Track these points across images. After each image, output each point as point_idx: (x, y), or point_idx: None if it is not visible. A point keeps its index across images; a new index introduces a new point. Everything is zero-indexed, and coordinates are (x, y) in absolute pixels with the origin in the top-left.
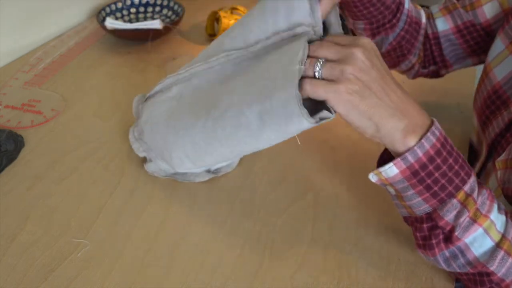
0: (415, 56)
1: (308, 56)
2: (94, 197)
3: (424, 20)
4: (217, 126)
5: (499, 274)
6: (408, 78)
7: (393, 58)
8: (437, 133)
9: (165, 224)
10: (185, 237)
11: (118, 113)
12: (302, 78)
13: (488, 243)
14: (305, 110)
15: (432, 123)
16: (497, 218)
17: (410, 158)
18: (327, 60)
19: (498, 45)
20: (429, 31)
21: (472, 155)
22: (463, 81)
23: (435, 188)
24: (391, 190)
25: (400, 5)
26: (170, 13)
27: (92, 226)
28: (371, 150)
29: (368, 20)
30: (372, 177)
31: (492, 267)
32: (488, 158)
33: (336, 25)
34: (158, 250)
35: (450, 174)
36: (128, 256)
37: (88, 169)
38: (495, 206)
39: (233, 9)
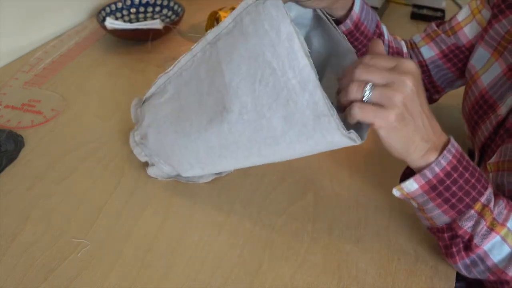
0: None
1: (353, 80)
2: (94, 197)
3: (405, 50)
4: (235, 130)
5: None
6: None
7: None
8: (453, 151)
9: (165, 224)
10: (185, 237)
11: (118, 113)
12: (352, 102)
13: (506, 250)
14: (335, 111)
15: (448, 141)
16: None
17: (429, 174)
18: (374, 84)
19: (482, 54)
20: (415, 60)
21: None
22: None
23: (453, 201)
24: (414, 203)
25: (381, 35)
26: (170, 13)
27: (92, 226)
28: (371, 150)
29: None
30: (395, 192)
31: (511, 273)
32: (480, 162)
33: (343, 41)
34: (158, 250)
35: (467, 187)
36: (128, 256)
37: (88, 169)
38: None
39: (233, 9)
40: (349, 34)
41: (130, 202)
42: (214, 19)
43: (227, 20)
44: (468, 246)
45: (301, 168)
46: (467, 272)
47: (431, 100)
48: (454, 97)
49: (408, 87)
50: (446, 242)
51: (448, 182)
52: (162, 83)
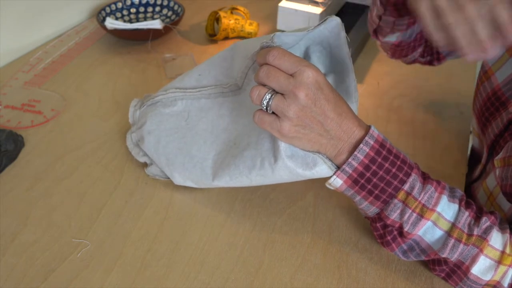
0: (421, 47)
1: (257, 82)
2: (94, 197)
3: None
4: (231, 163)
5: (453, 259)
6: (403, 63)
7: (411, 47)
8: (371, 142)
9: (165, 224)
10: (185, 237)
11: (118, 113)
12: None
13: (438, 232)
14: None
15: (366, 134)
16: (446, 209)
17: (348, 169)
18: (274, 91)
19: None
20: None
21: (473, 158)
22: (463, 81)
23: (376, 192)
24: (347, 195)
25: None
26: (170, 13)
27: (92, 226)
28: None
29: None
30: (329, 186)
31: (444, 254)
32: (488, 159)
33: (347, 60)
34: (158, 250)
35: (387, 177)
36: (128, 256)
37: (88, 169)
38: (444, 197)
39: (233, 9)
40: None
41: (130, 202)
42: (214, 19)
43: (252, 68)
44: (401, 233)
45: None
46: (405, 257)
47: (430, 64)
48: (454, 97)
49: (299, 100)
50: (380, 231)
51: (368, 174)
52: (172, 97)
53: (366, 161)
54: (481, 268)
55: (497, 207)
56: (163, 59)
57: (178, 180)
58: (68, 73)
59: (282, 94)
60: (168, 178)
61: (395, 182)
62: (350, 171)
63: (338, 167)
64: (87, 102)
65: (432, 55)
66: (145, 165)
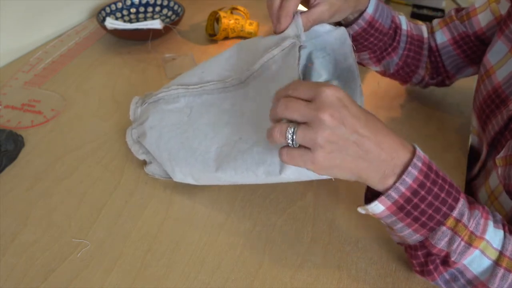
0: (423, 69)
1: (275, 119)
2: (94, 197)
3: (426, 35)
4: (239, 157)
5: None
6: (420, 88)
7: (403, 76)
8: (419, 165)
9: (165, 224)
10: (185, 237)
11: (118, 113)
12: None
13: (486, 262)
14: None
15: (413, 155)
16: (493, 236)
17: (394, 194)
18: (297, 123)
19: (500, 48)
20: (432, 44)
21: (472, 156)
22: (463, 81)
23: (423, 219)
24: (383, 222)
25: (397, 28)
26: (170, 13)
27: (92, 226)
28: None
29: (371, 49)
30: (361, 211)
31: (494, 285)
32: (488, 157)
33: (354, 67)
34: (158, 250)
35: (436, 203)
36: (128, 256)
37: (88, 169)
38: (490, 222)
39: (233, 9)
40: (363, 32)
41: (130, 202)
42: (214, 19)
43: (257, 65)
44: (446, 262)
45: None
46: (447, 287)
47: (443, 84)
48: (454, 97)
49: (326, 124)
50: (421, 260)
51: (415, 200)
52: (175, 94)
53: (415, 186)
54: None
55: (498, 206)
56: (163, 59)
57: (179, 176)
58: (68, 73)
59: (305, 123)
60: (168, 177)
61: (444, 209)
62: (396, 197)
63: (381, 193)
64: (87, 102)
65: (441, 75)
66: (145, 164)
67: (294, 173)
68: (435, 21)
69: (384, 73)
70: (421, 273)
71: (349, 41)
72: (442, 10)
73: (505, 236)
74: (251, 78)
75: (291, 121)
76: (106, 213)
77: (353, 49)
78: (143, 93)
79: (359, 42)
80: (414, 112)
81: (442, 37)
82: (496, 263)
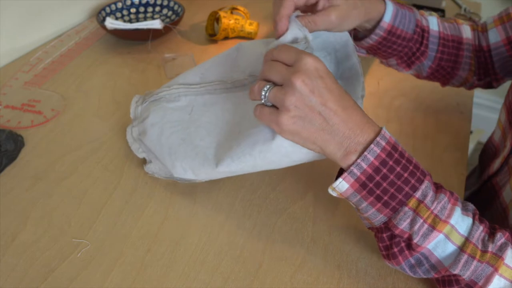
0: (465, 70)
1: (259, 78)
2: (94, 197)
3: (466, 35)
4: (234, 145)
5: (465, 277)
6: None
7: (439, 78)
8: (383, 143)
9: (165, 224)
10: (185, 237)
11: (118, 113)
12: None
13: (451, 248)
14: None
15: (377, 134)
16: (460, 222)
17: (356, 171)
18: (274, 84)
19: None
20: (483, 44)
21: (489, 151)
22: None
23: (385, 198)
24: (351, 204)
25: (424, 32)
26: (170, 13)
27: (92, 226)
28: None
29: (397, 55)
30: (332, 192)
31: (455, 271)
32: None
33: (352, 55)
34: (158, 250)
35: (398, 182)
36: (128, 256)
37: (88, 169)
38: (458, 209)
39: (233, 9)
40: (384, 40)
41: (130, 202)
42: (214, 19)
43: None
44: (410, 245)
45: (301, 168)
46: (412, 272)
47: (489, 86)
48: (454, 97)
49: (297, 89)
50: (386, 242)
51: (377, 178)
52: (176, 93)
53: (377, 163)
54: None
55: None
56: (163, 59)
57: (179, 170)
58: (68, 73)
59: (281, 85)
60: (167, 177)
61: (407, 188)
62: (358, 173)
63: (344, 170)
64: (87, 102)
65: (489, 76)
66: (144, 163)
67: (289, 145)
68: (489, 19)
69: (418, 76)
70: (387, 257)
71: (351, 41)
72: (442, 10)
73: (473, 223)
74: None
75: (272, 82)
76: (106, 213)
77: (356, 48)
78: (143, 93)
79: (382, 50)
80: (414, 112)
81: (495, 36)
82: (461, 249)
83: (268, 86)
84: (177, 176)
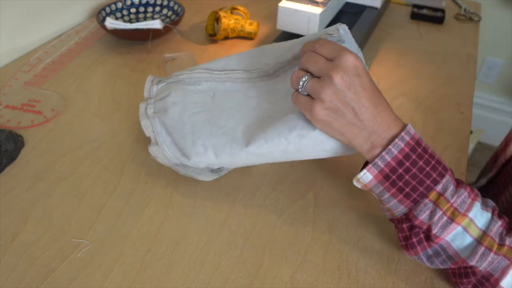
0: None
1: (298, 68)
2: (94, 197)
3: None
4: (269, 127)
5: (481, 268)
6: None
7: None
8: (407, 138)
9: (165, 224)
10: (185, 237)
11: (118, 113)
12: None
13: (468, 240)
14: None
15: (403, 130)
16: (478, 216)
17: (380, 163)
18: (312, 75)
19: None
20: None
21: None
22: (463, 81)
23: (407, 190)
24: (374, 195)
25: None
26: (170, 13)
27: (92, 226)
28: None
29: None
30: (356, 184)
31: (472, 262)
32: None
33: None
34: (158, 250)
35: (421, 175)
36: (128, 256)
37: (88, 169)
38: (477, 204)
39: (233, 9)
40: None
41: (130, 202)
42: (214, 19)
43: (290, 56)
44: (429, 236)
45: (301, 168)
46: (430, 262)
47: None
48: (454, 97)
49: (334, 84)
50: (406, 233)
51: (400, 170)
52: (197, 77)
53: (400, 157)
54: (510, 282)
55: None
56: (163, 59)
57: (199, 149)
58: (68, 73)
59: (319, 77)
60: (169, 164)
61: (428, 182)
62: (382, 166)
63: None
64: (87, 102)
65: None
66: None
67: (325, 136)
68: None
69: None
70: (405, 247)
71: (353, 41)
72: (442, 10)
73: (492, 218)
74: (282, 70)
75: (310, 73)
76: (106, 213)
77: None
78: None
79: None
80: (414, 112)
81: None
82: (478, 241)
83: (306, 77)
84: (192, 159)
